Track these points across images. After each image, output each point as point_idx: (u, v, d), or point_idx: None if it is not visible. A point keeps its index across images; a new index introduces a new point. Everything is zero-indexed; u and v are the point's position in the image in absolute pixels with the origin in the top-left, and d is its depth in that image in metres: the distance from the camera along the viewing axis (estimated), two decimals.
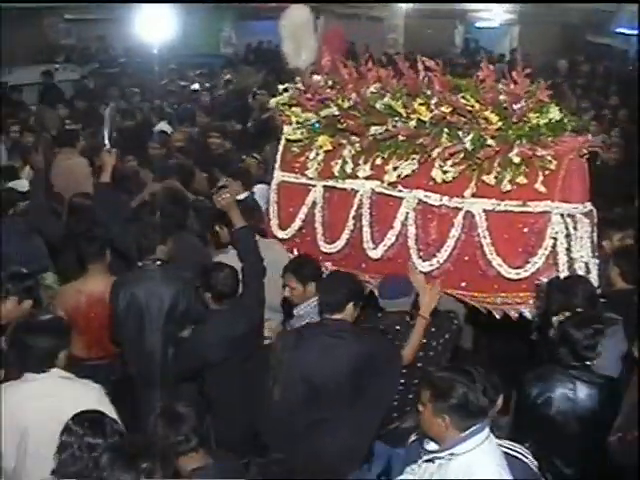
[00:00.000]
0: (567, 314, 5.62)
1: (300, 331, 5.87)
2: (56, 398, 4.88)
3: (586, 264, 6.20)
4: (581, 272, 6.10)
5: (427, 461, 4.30)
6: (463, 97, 6.24)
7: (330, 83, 7.02)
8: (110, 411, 4.84)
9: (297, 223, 7.12)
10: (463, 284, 6.34)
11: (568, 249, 6.12)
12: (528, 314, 6.20)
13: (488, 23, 28.30)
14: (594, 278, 6.27)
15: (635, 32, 26.05)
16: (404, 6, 26.30)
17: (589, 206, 6.29)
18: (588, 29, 26.77)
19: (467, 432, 4.08)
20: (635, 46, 24.69)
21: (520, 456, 4.47)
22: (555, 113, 6.15)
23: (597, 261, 6.40)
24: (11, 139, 11.76)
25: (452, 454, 4.10)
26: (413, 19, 27.00)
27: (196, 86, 18.36)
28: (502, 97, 6.17)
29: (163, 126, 12.83)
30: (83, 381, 5.09)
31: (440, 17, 27.18)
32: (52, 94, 16.58)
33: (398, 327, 5.95)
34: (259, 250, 6.47)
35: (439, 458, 4.18)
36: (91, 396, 4.99)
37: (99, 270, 6.83)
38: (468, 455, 4.07)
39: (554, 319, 5.91)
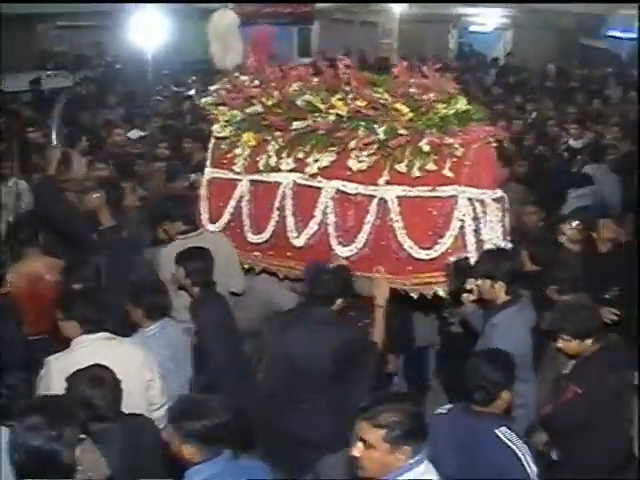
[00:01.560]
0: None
1: (288, 316, 6.44)
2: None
3: (496, 246, 6.66)
4: None
5: None
6: (376, 91, 6.79)
7: (256, 83, 7.53)
8: None
9: (226, 216, 7.54)
10: (380, 267, 6.76)
11: (476, 231, 6.60)
12: (442, 292, 6.67)
13: (482, 28, 28.76)
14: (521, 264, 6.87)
15: (628, 35, 26.51)
16: (398, 11, 26.67)
17: (499, 193, 6.82)
18: (582, 33, 27.09)
19: (417, 457, 4.01)
20: (628, 49, 25.02)
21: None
22: (462, 104, 6.72)
23: (509, 245, 6.91)
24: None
25: None
26: (407, 24, 27.33)
27: (192, 92, 18.56)
28: (413, 90, 6.74)
29: (134, 133, 13.13)
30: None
31: (434, 22, 27.69)
32: (40, 101, 16.78)
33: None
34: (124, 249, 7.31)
35: None
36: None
37: (35, 253, 7.44)
38: None
39: (464, 295, 6.44)
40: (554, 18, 26.93)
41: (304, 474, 6.16)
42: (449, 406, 5.33)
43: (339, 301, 6.22)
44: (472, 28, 29.27)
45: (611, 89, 20.57)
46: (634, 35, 27.60)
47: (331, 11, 26.68)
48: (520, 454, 4.85)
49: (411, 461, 3.94)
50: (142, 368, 5.76)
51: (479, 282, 6.25)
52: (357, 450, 3.95)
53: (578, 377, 5.70)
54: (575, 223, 8.39)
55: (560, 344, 5.80)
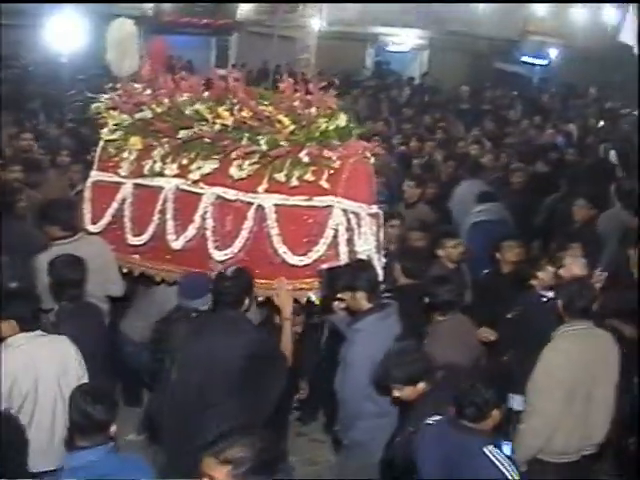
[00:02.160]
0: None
1: (199, 319, 6.68)
2: None
3: (369, 258, 7.04)
4: None
5: None
6: (261, 103, 7.16)
7: (148, 91, 7.82)
8: None
9: (107, 218, 7.65)
10: (257, 272, 6.96)
11: (350, 242, 6.95)
12: (314, 298, 6.98)
13: (399, 47, 29.22)
14: (379, 273, 7.13)
15: (539, 61, 27.34)
16: (317, 27, 27.12)
17: (375, 208, 7.25)
18: (495, 57, 27.78)
19: None
20: (539, 74, 25.81)
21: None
22: (342, 120, 7.10)
23: (383, 258, 7.35)
24: None
25: None
26: (326, 40, 27.74)
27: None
28: (296, 104, 7.12)
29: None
30: None
31: (352, 39, 28.02)
32: None
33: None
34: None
35: None
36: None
37: None
38: None
39: (335, 303, 6.81)
40: (470, 41, 27.60)
41: None
42: (438, 417, 5.51)
43: (247, 301, 6.54)
44: (390, 47, 29.73)
45: (517, 112, 21.18)
46: (544, 62, 28.52)
47: (249, 24, 26.82)
48: (508, 475, 5.05)
49: None
50: (76, 363, 6.01)
51: (342, 294, 6.65)
52: None
53: (411, 417, 5.81)
54: (454, 241, 8.68)
55: (396, 393, 5.87)
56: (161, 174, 7.44)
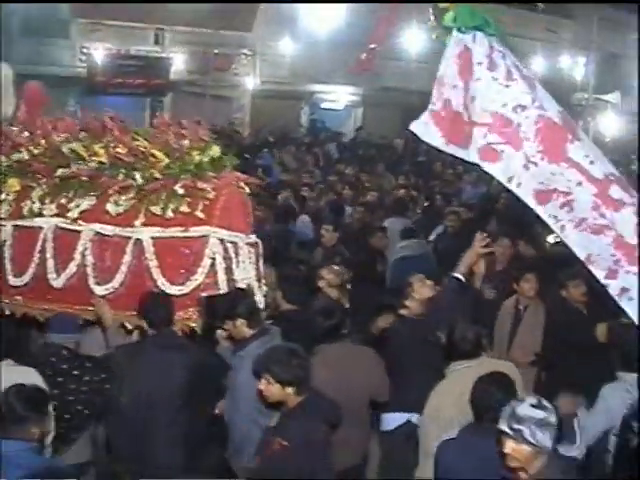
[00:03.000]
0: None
1: (138, 343, 6.85)
2: None
3: (250, 287, 7.24)
4: None
5: None
6: (136, 139, 7.40)
7: (25, 134, 7.98)
8: None
9: None
10: (136, 306, 7.06)
11: (228, 270, 7.11)
12: (197, 328, 7.12)
13: (333, 104, 29.60)
14: (260, 301, 7.34)
15: None
16: (251, 87, 27.50)
17: (254, 238, 7.46)
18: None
19: None
20: None
21: None
22: (215, 151, 7.31)
23: (264, 287, 7.54)
24: None
25: None
26: (260, 99, 28.07)
27: None
28: (170, 138, 7.35)
29: None
30: None
31: (287, 98, 28.34)
32: None
33: (54, 359, 6.84)
34: None
35: None
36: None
37: None
38: None
39: (218, 332, 6.95)
40: (402, 96, 28.04)
41: None
42: (456, 431, 5.75)
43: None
44: (324, 105, 30.11)
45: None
46: None
47: (183, 84, 27.10)
48: None
49: None
50: None
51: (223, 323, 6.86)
52: None
53: (282, 430, 5.80)
54: (334, 269, 8.90)
55: (261, 386, 5.92)
56: (40, 214, 7.58)
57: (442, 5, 6.47)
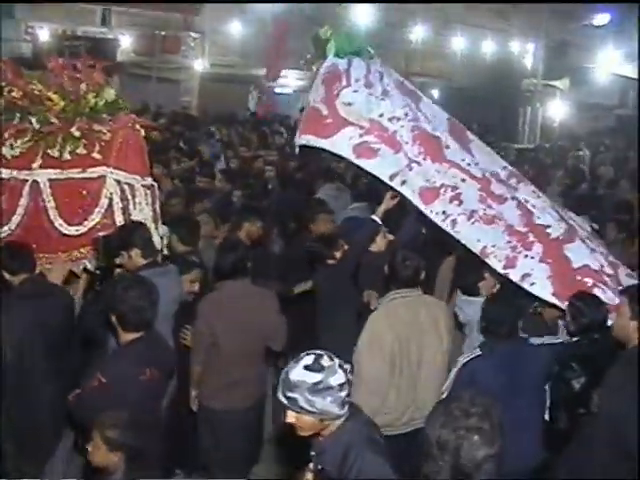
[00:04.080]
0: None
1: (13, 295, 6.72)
2: None
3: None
4: None
5: None
6: (31, 82, 7.42)
7: None
8: None
9: None
10: (34, 245, 7.15)
11: (125, 211, 7.20)
12: (90, 266, 7.18)
13: (282, 89, 29.58)
14: (157, 241, 7.37)
15: None
16: (199, 70, 27.46)
17: (150, 181, 7.50)
18: None
19: None
20: None
21: None
22: (110, 95, 7.42)
23: (161, 228, 7.61)
24: None
25: None
26: (208, 82, 28.01)
27: None
28: (65, 81, 7.41)
29: None
30: None
31: (235, 81, 28.28)
32: None
33: None
34: None
35: None
36: None
37: None
38: None
39: (116, 272, 6.97)
40: None
41: None
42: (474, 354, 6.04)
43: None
44: (276, 89, 30.10)
45: None
46: None
47: (130, 66, 26.98)
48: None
49: None
50: None
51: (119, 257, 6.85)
52: None
53: (102, 367, 5.71)
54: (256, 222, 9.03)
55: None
56: None
57: (322, 35, 7.08)
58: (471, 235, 6.76)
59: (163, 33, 26.99)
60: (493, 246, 6.72)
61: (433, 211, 6.78)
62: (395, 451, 5.74)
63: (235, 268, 7.10)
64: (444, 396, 5.90)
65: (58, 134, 7.20)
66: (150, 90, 25.81)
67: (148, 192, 7.41)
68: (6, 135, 7.34)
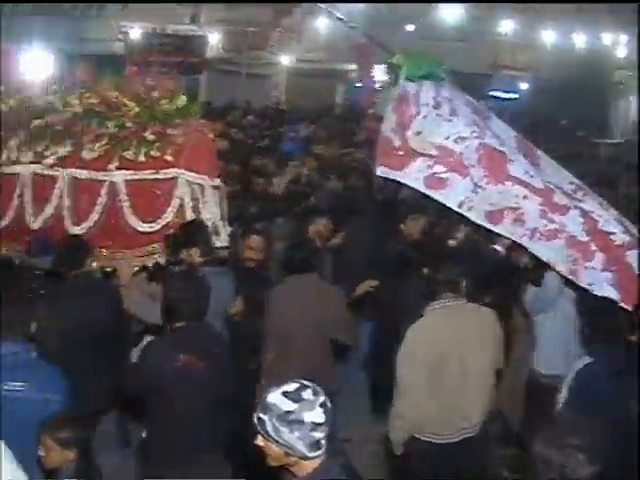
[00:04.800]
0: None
1: (65, 285, 7.17)
2: None
3: (214, 225, 7.76)
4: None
5: None
6: (108, 90, 8.00)
7: (1, 88, 8.60)
8: None
9: None
10: (110, 242, 7.74)
11: (195, 210, 7.67)
12: (161, 260, 7.63)
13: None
14: (224, 238, 7.89)
15: (509, 95, 27.84)
16: (287, 65, 27.89)
17: (217, 182, 7.95)
18: (464, 91, 28.21)
19: None
20: (509, 109, 26.14)
21: None
22: (182, 100, 7.93)
23: (227, 226, 8.06)
24: None
25: None
26: (296, 77, 28.36)
27: None
28: (140, 88, 7.98)
29: None
30: None
31: (322, 77, 28.58)
32: None
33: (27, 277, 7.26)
34: None
35: None
36: None
37: None
38: None
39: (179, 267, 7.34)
40: None
41: None
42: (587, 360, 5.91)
43: (88, 262, 7.21)
44: (358, 84, 30.22)
45: None
46: (515, 95, 29.06)
47: (218, 62, 27.54)
48: None
49: None
50: None
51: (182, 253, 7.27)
52: None
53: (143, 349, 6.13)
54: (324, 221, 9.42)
55: None
56: (17, 162, 8.19)
57: (395, 62, 7.45)
58: (537, 250, 7.06)
59: (251, 29, 27.36)
60: (555, 259, 7.01)
61: (503, 230, 7.10)
62: (447, 459, 6.20)
63: (303, 264, 7.48)
64: (559, 406, 5.85)
65: (133, 138, 7.75)
66: (238, 86, 26.25)
67: (216, 192, 7.90)
68: (85, 139, 7.91)
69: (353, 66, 27.95)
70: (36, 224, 8.00)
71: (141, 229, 7.61)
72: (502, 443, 5.52)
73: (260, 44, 27.72)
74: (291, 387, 3.68)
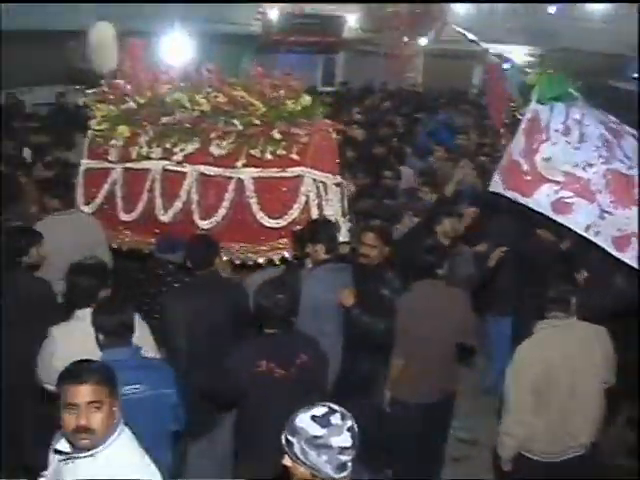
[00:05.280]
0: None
1: (186, 285, 7.51)
2: None
3: (336, 221, 7.97)
4: None
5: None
6: (235, 89, 8.19)
7: (131, 86, 8.90)
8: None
9: (99, 199, 8.71)
10: (237, 236, 8.02)
11: (319, 207, 7.91)
12: (287, 255, 7.93)
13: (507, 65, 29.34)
14: (344, 234, 8.09)
15: None
16: (423, 45, 27.77)
17: (339, 179, 8.22)
18: (608, 74, 27.68)
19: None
20: None
21: None
22: (307, 101, 8.08)
23: (348, 222, 8.30)
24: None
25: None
26: (432, 58, 28.27)
27: None
28: (266, 88, 8.15)
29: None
30: None
31: (459, 58, 28.41)
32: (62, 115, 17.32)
33: (161, 271, 7.80)
34: None
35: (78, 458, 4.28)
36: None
37: None
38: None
39: (307, 262, 7.68)
40: (581, 57, 27.61)
41: None
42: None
43: (217, 260, 7.45)
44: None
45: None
46: None
47: (356, 42, 27.68)
48: None
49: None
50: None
51: (307, 247, 7.50)
52: None
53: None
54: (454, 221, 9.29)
55: None
56: (148, 157, 8.50)
57: (528, 81, 7.59)
58: None
59: (389, 10, 27.37)
60: None
61: (627, 258, 7.08)
62: (554, 478, 6.27)
63: (433, 269, 7.49)
64: None
65: (260, 136, 7.97)
66: (375, 66, 26.31)
67: (338, 189, 8.16)
68: (213, 136, 8.16)
69: (492, 46, 27.68)
70: (165, 218, 8.32)
71: (268, 225, 7.86)
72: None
73: (398, 24, 27.63)
74: (320, 411, 3.81)
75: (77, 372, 4.24)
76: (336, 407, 3.87)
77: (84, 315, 5.99)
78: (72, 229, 8.18)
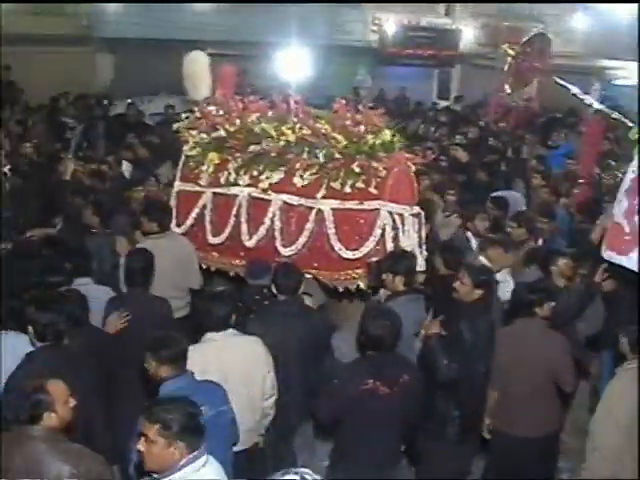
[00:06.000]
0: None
1: (268, 310, 7.71)
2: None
3: (413, 252, 8.29)
4: None
5: None
6: (318, 122, 8.62)
7: (221, 112, 9.40)
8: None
9: (190, 221, 9.25)
10: (315, 264, 8.40)
11: (395, 238, 8.28)
12: (363, 285, 8.30)
13: (626, 81, 29.04)
14: (421, 264, 8.41)
15: None
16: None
17: (417, 209, 8.58)
18: None
19: (195, 453, 4.68)
20: None
21: None
22: (387, 135, 8.45)
23: (425, 252, 8.62)
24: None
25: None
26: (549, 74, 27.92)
27: None
28: (348, 123, 8.51)
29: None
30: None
31: (576, 73, 28.06)
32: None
33: (257, 296, 8.12)
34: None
35: None
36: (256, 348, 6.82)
37: None
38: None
39: (381, 292, 7.97)
40: None
41: None
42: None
43: (301, 288, 7.75)
44: (617, 81, 29.59)
45: None
46: None
47: (472, 56, 27.75)
48: None
49: (189, 456, 4.63)
50: (262, 362, 6.81)
51: (384, 276, 7.77)
52: (141, 445, 4.64)
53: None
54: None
55: None
56: (235, 184, 8.95)
57: (631, 136, 7.67)
58: None
59: (506, 24, 27.33)
60: None
61: None
62: None
63: (527, 309, 7.50)
64: None
65: (341, 169, 8.37)
66: (490, 81, 26.28)
67: (415, 220, 8.53)
68: (296, 166, 8.61)
69: (609, 63, 27.43)
70: (250, 243, 8.78)
71: (345, 255, 8.25)
72: None
73: (514, 39, 27.53)
74: (293, 477, 3.92)
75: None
76: (309, 474, 3.95)
77: (212, 337, 6.60)
78: (171, 251, 8.70)
